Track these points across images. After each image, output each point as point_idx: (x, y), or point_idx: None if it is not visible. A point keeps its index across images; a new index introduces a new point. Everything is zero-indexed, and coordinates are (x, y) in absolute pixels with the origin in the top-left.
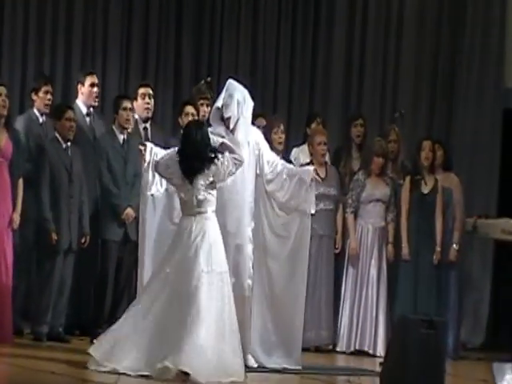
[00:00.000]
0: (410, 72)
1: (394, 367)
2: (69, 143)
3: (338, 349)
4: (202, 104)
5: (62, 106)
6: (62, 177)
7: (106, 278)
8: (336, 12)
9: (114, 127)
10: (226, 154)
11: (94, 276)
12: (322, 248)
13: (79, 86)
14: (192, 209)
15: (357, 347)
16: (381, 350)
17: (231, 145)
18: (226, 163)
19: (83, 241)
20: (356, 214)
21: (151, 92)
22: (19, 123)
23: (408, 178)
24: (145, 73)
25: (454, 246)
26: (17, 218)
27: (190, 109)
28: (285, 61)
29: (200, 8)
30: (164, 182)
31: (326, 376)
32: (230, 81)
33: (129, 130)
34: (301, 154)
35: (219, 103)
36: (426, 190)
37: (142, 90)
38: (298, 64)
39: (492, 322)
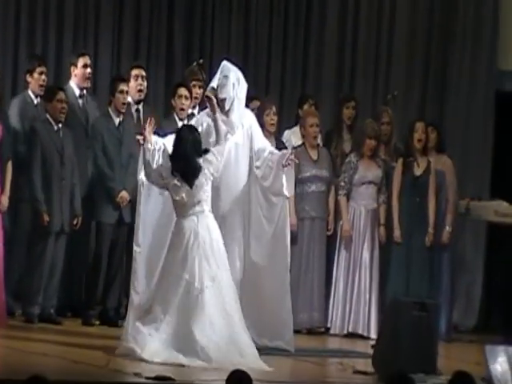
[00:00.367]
0: (402, 54)
1: (386, 349)
2: (60, 125)
3: (331, 331)
4: (194, 85)
5: (53, 88)
6: (53, 159)
7: (99, 260)
8: None
9: (109, 110)
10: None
11: (86, 258)
12: (314, 230)
13: (72, 67)
14: (192, 209)
15: (350, 330)
16: (374, 333)
17: (220, 128)
18: (214, 158)
19: (75, 222)
20: (348, 197)
21: (144, 74)
22: (14, 105)
23: (400, 160)
24: (137, 53)
25: (447, 228)
26: (5, 200)
27: (183, 91)
28: (277, 43)
29: None
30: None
31: (318, 358)
32: (225, 62)
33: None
34: (293, 135)
35: (214, 84)
36: (418, 171)
37: (134, 72)
38: (290, 46)
39: (484, 304)
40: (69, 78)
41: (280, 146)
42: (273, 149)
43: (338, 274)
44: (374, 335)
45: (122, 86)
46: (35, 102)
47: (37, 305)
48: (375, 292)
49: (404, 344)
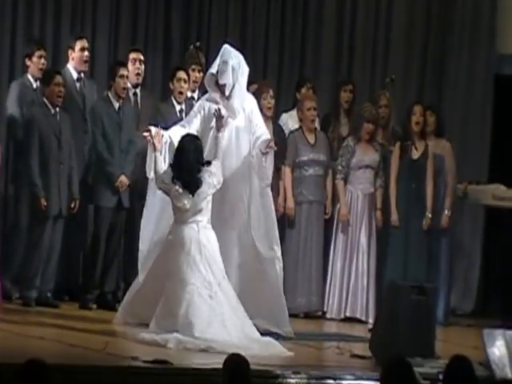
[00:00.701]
0: (401, 38)
1: (384, 333)
2: (57, 109)
3: (328, 315)
4: (193, 69)
5: (50, 72)
6: (51, 143)
7: (97, 244)
8: None
9: (109, 94)
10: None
11: (83, 242)
12: (311, 214)
13: (70, 51)
14: (193, 217)
15: (348, 314)
16: (372, 317)
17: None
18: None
19: (72, 206)
20: (346, 180)
21: (142, 58)
22: (12, 90)
23: (398, 144)
24: (134, 38)
25: (446, 212)
26: None
27: (181, 74)
28: (275, 26)
29: None
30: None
31: (315, 342)
32: (226, 46)
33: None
34: (290, 119)
35: (214, 69)
36: (416, 155)
37: (132, 55)
38: (288, 29)
39: (482, 288)
40: (66, 62)
41: (277, 129)
42: (265, 137)
43: (335, 258)
44: (371, 319)
45: (123, 71)
46: (34, 85)
47: (34, 288)
48: (373, 276)
49: (402, 328)
